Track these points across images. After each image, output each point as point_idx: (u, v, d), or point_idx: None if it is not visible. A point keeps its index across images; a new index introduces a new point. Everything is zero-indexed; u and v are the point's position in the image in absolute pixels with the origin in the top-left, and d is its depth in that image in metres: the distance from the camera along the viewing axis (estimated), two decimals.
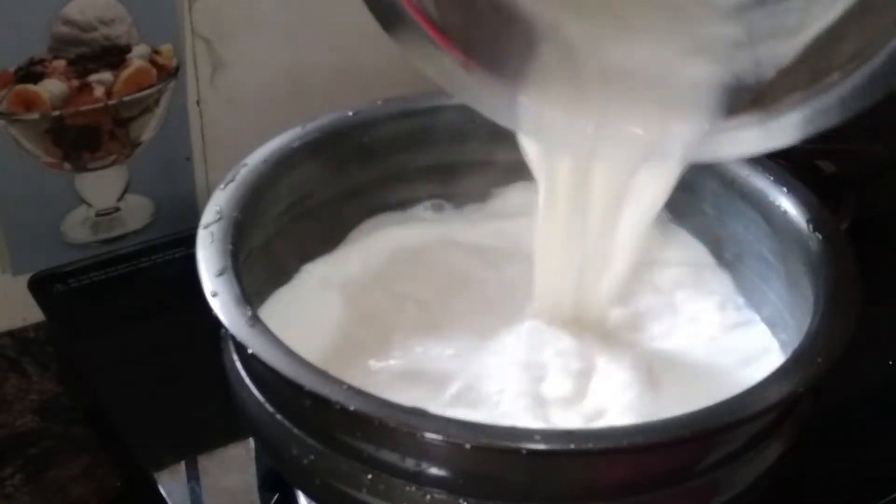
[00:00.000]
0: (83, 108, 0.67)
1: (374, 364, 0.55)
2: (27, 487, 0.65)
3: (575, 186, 0.54)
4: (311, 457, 0.48)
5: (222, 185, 0.55)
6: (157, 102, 0.70)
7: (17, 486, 0.65)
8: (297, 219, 0.59)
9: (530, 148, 0.55)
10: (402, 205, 0.64)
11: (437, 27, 0.50)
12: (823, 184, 0.71)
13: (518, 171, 0.64)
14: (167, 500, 0.57)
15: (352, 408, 0.44)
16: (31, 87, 0.65)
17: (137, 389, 0.62)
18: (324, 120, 0.60)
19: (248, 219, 0.54)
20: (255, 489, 0.58)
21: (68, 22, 0.65)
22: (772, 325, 0.58)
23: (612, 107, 0.51)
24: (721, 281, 0.61)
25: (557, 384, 0.54)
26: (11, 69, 0.65)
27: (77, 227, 0.71)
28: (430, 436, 0.44)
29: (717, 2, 0.49)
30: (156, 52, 0.68)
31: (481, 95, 0.53)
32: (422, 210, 0.65)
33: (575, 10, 0.50)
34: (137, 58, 0.68)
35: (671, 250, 0.62)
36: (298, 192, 0.59)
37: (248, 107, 0.73)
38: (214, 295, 0.49)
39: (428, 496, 0.46)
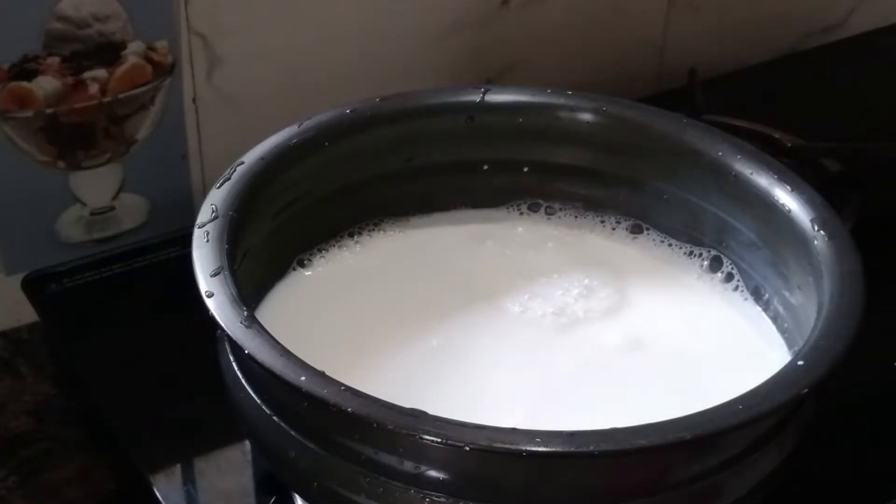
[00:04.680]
0: (77, 105, 0.67)
1: (372, 365, 0.55)
2: (21, 490, 0.65)
3: None
4: (309, 459, 0.48)
5: (218, 184, 0.55)
6: (152, 100, 0.69)
7: (10, 488, 0.65)
8: (293, 217, 0.59)
9: None
10: (401, 203, 0.64)
11: None
12: (829, 182, 0.71)
13: (514, 171, 0.64)
14: (163, 502, 0.57)
15: (350, 409, 0.44)
16: (24, 84, 0.65)
17: (133, 391, 0.62)
18: (321, 117, 0.59)
19: (244, 218, 0.54)
20: (252, 492, 0.58)
21: (62, 18, 0.65)
22: (776, 324, 0.57)
23: None
24: (724, 280, 0.60)
25: None
26: (5, 66, 0.64)
27: (71, 227, 0.71)
28: (428, 438, 0.43)
29: None
30: (151, 48, 0.68)
31: None
32: (419, 209, 0.64)
33: None
34: (132, 55, 0.67)
35: (673, 250, 0.62)
36: (295, 191, 0.59)
37: (245, 104, 0.73)
38: (210, 295, 0.49)
39: (427, 499, 0.46)
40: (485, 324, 0.58)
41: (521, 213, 0.65)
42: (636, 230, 0.63)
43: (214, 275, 0.50)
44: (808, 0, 0.97)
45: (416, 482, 0.46)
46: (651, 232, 0.63)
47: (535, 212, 0.64)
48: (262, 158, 0.56)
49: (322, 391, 0.44)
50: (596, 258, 0.62)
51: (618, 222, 0.64)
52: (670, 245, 0.62)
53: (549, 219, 0.64)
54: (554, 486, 0.46)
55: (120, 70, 0.67)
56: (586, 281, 0.60)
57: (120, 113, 0.69)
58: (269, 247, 0.58)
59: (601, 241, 0.63)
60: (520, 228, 0.64)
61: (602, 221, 0.64)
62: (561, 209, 0.64)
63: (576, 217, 0.64)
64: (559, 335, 0.57)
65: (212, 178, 0.57)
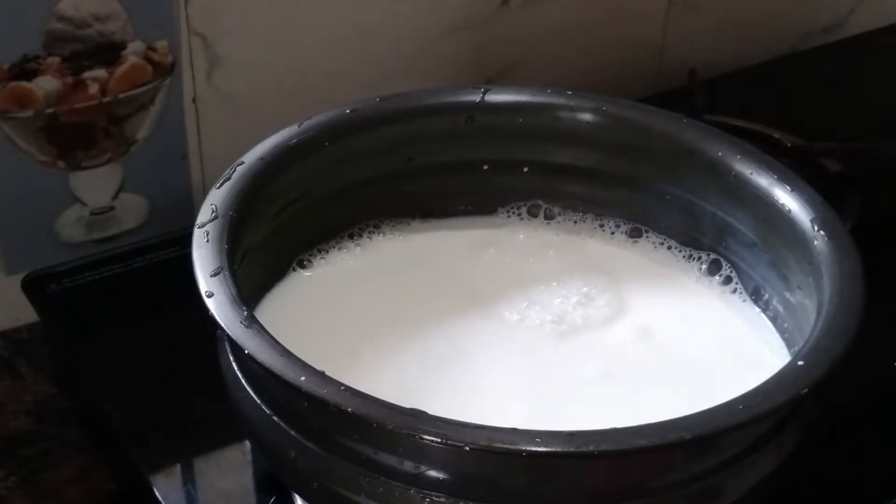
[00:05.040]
0: (77, 105, 0.67)
1: (372, 365, 0.55)
2: (21, 490, 0.65)
3: None
4: (309, 459, 0.48)
5: (218, 184, 0.55)
6: (152, 100, 0.69)
7: (10, 488, 0.65)
8: (293, 218, 0.59)
9: None
10: (401, 204, 0.64)
11: None
12: (829, 182, 0.71)
13: (514, 172, 0.64)
14: (162, 502, 0.56)
15: (349, 409, 0.44)
16: (24, 84, 0.65)
17: (132, 391, 0.62)
18: (320, 117, 0.59)
19: (244, 218, 0.54)
20: (252, 492, 0.58)
21: (63, 18, 0.64)
22: (776, 324, 0.57)
23: None
24: (723, 283, 0.60)
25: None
26: (5, 66, 0.64)
27: (71, 227, 0.71)
28: (428, 438, 0.43)
29: None
30: (151, 48, 0.68)
31: None
32: (419, 210, 0.64)
33: None
34: (132, 55, 0.67)
35: (673, 249, 0.62)
36: (295, 191, 0.59)
37: (245, 104, 0.73)
38: (210, 295, 0.49)
39: (427, 499, 0.46)
40: (483, 329, 0.58)
41: (521, 218, 0.64)
42: (635, 234, 0.63)
43: (214, 275, 0.49)
44: (807, 0, 0.97)
45: (416, 482, 0.46)
46: (650, 235, 0.63)
47: (535, 216, 0.64)
48: (261, 158, 0.56)
49: (322, 391, 0.44)
50: (595, 264, 0.62)
51: (617, 226, 0.64)
52: (669, 248, 0.62)
53: (548, 223, 0.64)
54: (554, 486, 0.46)
55: (120, 70, 0.67)
56: (585, 289, 0.60)
57: (120, 113, 0.69)
58: (269, 247, 0.58)
59: (601, 245, 0.63)
60: (520, 235, 0.64)
61: (601, 225, 0.64)
62: (561, 213, 0.64)
63: (575, 222, 0.64)
64: (558, 339, 0.57)
65: (212, 178, 0.57)
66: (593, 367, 0.56)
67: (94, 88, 0.67)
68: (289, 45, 0.73)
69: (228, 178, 0.55)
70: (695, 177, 0.60)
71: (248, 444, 0.58)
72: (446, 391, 0.54)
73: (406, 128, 0.62)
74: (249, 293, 0.52)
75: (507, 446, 0.43)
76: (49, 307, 0.67)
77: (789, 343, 0.56)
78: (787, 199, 0.56)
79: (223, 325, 0.47)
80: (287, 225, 0.59)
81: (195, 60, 0.70)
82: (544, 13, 0.82)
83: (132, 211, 0.72)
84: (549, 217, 0.64)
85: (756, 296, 0.59)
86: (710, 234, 0.61)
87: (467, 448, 0.43)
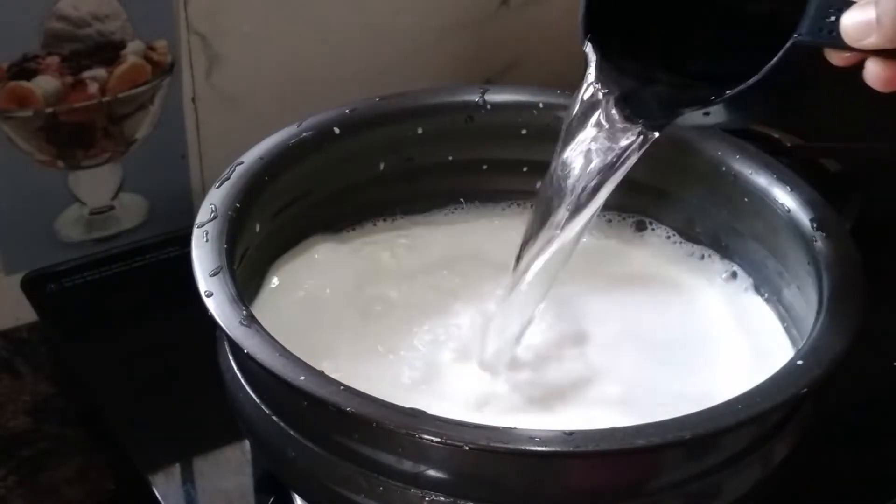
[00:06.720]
0: (77, 105, 0.67)
1: (372, 363, 0.55)
2: (20, 489, 0.65)
3: None
4: (309, 459, 0.48)
5: (217, 184, 0.55)
6: (151, 99, 0.69)
7: (9, 487, 0.65)
8: (293, 217, 0.59)
9: None
10: (401, 203, 0.64)
11: None
12: (829, 182, 0.71)
13: (514, 171, 0.64)
14: (161, 502, 0.56)
15: (349, 409, 0.44)
16: (24, 83, 0.65)
17: (132, 390, 0.62)
18: (320, 117, 0.59)
19: (243, 217, 0.54)
20: (251, 492, 0.58)
21: (62, 18, 0.64)
22: (775, 324, 0.57)
23: None
24: (728, 279, 0.60)
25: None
26: (4, 65, 0.64)
27: (70, 226, 0.71)
28: (428, 438, 0.43)
29: None
30: (150, 48, 0.68)
31: None
32: (419, 209, 0.64)
33: None
34: (132, 54, 0.67)
35: (675, 249, 0.62)
36: (294, 191, 0.59)
37: (244, 104, 0.72)
38: (209, 295, 0.49)
39: (427, 499, 0.46)
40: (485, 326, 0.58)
41: (522, 214, 0.65)
42: (640, 227, 0.63)
43: (214, 274, 0.50)
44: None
45: (415, 482, 0.46)
46: (655, 229, 0.63)
47: None
48: (261, 158, 0.56)
49: (321, 391, 0.44)
50: (598, 257, 0.62)
51: (623, 219, 0.64)
52: (674, 243, 0.62)
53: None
54: (553, 486, 0.46)
55: (119, 69, 0.67)
56: (587, 282, 0.60)
57: (119, 112, 0.69)
58: (269, 247, 0.58)
59: (603, 240, 0.63)
60: (520, 229, 0.64)
61: (609, 221, 0.64)
62: None
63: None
64: (558, 334, 0.57)
65: (211, 177, 0.57)
66: (594, 365, 0.56)
67: (93, 88, 0.67)
68: (289, 45, 0.73)
69: (228, 178, 0.55)
70: (695, 176, 0.60)
71: (248, 444, 0.58)
72: (446, 387, 0.54)
73: (406, 128, 0.62)
74: (249, 292, 0.52)
75: (506, 446, 0.43)
76: (48, 307, 0.67)
77: (790, 343, 0.56)
78: (786, 198, 0.56)
79: (222, 324, 0.47)
80: (287, 224, 0.59)
81: (194, 60, 0.70)
82: (544, 13, 0.82)
83: (131, 210, 0.72)
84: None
85: (756, 296, 0.59)
86: (710, 233, 0.61)
87: (467, 448, 0.43)
